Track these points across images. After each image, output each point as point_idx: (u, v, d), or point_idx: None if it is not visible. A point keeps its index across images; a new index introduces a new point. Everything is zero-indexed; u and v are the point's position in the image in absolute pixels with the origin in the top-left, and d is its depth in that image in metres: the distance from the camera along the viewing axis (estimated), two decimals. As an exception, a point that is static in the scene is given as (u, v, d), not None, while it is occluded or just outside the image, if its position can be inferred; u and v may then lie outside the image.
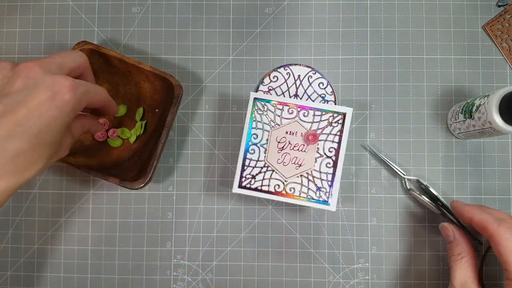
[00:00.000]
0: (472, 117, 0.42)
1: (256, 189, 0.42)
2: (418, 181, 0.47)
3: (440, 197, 0.45)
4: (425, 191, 0.46)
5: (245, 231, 0.48)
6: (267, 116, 0.43)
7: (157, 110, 0.48)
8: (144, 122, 0.48)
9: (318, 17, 0.49)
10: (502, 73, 0.48)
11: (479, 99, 0.41)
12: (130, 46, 0.50)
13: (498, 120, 0.38)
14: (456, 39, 0.49)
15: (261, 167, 0.42)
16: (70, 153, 0.45)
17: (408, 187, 0.47)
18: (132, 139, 0.48)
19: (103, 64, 0.46)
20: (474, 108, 0.41)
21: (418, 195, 0.45)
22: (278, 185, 0.42)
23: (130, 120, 0.48)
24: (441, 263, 0.47)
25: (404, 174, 0.47)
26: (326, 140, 0.43)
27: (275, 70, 0.48)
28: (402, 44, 0.49)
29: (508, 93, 0.38)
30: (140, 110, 0.48)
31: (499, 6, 0.49)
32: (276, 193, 0.42)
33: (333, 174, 0.42)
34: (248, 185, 0.42)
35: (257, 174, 0.42)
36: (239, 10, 0.50)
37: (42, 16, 0.50)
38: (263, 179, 0.42)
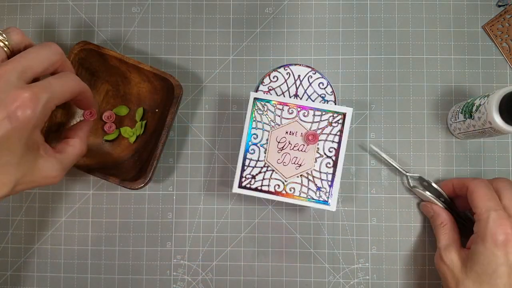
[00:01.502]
0: (472, 117, 0.42)
1: (256, 189, 0.42)
2: (420, 178, 0.47)
3: (443, 192, 0.45)
4: (427, 188, 0.46)
5: (245, 231, 0.48)
6: (267, 116, 0.43)
7: (157, 110, 0.48)
8: (144, 122, 0.48)
9: (318, 17, 0.49)
10: (502, 73, 0.48)
11: (479, 99, 0.41)
12: (130, 46, 0.50)
13: (498, 120, 0.38)
14: (456, 39, 0.49)
15: (261, 167, 0.42)
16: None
17: (412, 185, 0.47)
18: (132, 139, 0.48)
19: (103, 64, 0.46)
20: (474, 108, 0.41)
21: (422, 191, 0.45)
22: (278, 185, 0.42)
23: (130, 120, 0.48)
24: (441, 263, 0.47)
25: (406, 172, 0.47)
26: (326, 140, 0.42)
27: (275, 70, 0.48)
28: (402, 44, 0.49)
29: (508, 93, 0.38)
30: (140, 110, 0.48)
31: (499, 6, 0.49)
32: (276, 193, 0.42)
33: (333, 174, 0.42)
34: (248, 185, 0.42)
35: (257, 174, 0.42)
36: (239, 10, 0.50)
37: (42, 16, 0.50)
38: (263, 179, 0.42)
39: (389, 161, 0.47)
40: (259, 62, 0.49)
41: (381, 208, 0.48)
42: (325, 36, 0.49)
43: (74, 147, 0.37)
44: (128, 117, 0.49)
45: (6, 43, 0.33)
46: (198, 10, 0.50)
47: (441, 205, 0.45)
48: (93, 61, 0.45)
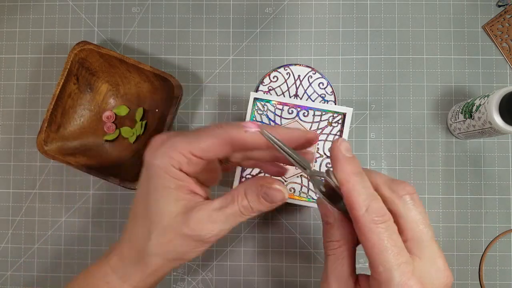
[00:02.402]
0: (472, 117, 0.42)
1: None
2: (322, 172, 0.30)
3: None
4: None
5: (245, 231, 0.48)
6: (267, 116, 0.43)
7: (157, 110, 0.48)
8: (144, 122, 0.48)
9: (318, 17, 0.49)
10: (502, 73, 0.48)
11: (479, 99, 0.41)
12: (130, 46, 0.50)
13: (498, 120, 0.38)
14: (456, 39, 0.49)
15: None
16: (70, 153, 0.45)
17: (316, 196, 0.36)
18: (132, 139, 0.48)
19: (103, 64, 0.46)
20: (474, 108, 0.41)
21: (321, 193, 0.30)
22: None
23: (130, 120, 0.48)
24: (441, 263, 0.47)
25: (305, 168, 0.29)
26: (326, 140, 0.43)
27: (275, 70, 0.48)
28: (402, 44, 0.49)
29: (508, 93, 0.38)
30: (140, 110, 0.48)
31: (499, 6, 0.49)
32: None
33: None
34: None
35: (257, 174, 0.42)
36: (239, 10, 0.50)
37: (42, 16, 0.50)
38: None
39: (282, 151, 0.29)
40: (259, 62, 0.49)
41: (381, 208, 0.48)
42: (325, 36, 0.49)
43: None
44: (128, 117, 0.49)
45: None
46: (198, 10, 0.50)
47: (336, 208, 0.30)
48: (93, 61, 0.45)
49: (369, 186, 0.28)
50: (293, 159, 0.28)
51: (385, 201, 0.28)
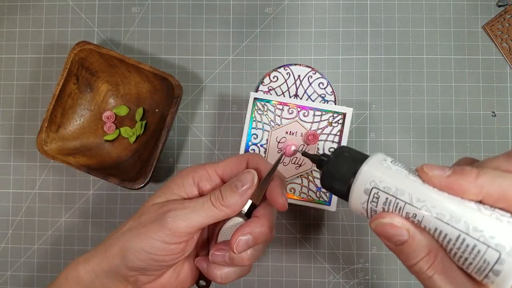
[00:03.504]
0: None
1: None
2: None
3: None
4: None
5: (245, 231, 0.48)
6: (267, 116, 0.43)
7: (157, 110, 0.48)
8: (144, 122, 0.48)
9: (318, 17, 0.49)
10: (502, 73, 0.48)
11: None
12: (130, 46, 0.50)
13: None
14: (456, 39, 0.49)
15: None
16: (70, 153, 0.45)
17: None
18: (132, 139, 0.48)
19: (103, 64, 0.46)
20: None
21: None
22: None
23: (130, 120, 0.48)
24: (441, 263, 0.47)
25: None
26: (326, 140, 0.42)
27: (275, 70, 0.48)
28: (402, 44, 0.49)
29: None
30: (140, 110, 0.48)
31: (499, 6, 0.49)
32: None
33: None
34: None
35: None
36: (239, 10, 0.50)
37: (42, 16, 0.50)
38: None
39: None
40: (259, 62, 0.49)
41: (381, 208, 0.48)
42: (325, 36, 0.49)
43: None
44: (128, 117, 0.49)
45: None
46: (198, 10, 0.50)
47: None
48: (93, 61, 0.45)
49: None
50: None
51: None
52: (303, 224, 0.48)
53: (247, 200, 0.31)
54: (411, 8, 0.49)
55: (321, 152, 0.42)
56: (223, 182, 0.32)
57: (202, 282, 0.34)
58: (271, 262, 0.48)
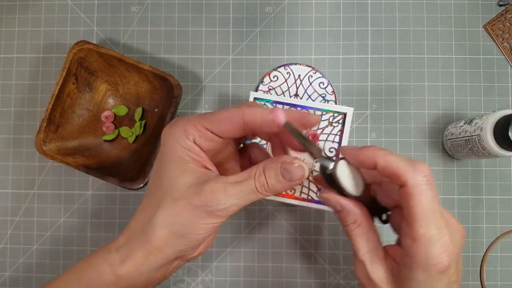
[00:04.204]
0: (470, 123, 0.42)
1: None
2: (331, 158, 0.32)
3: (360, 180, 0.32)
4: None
5: (245, 232, 0.48)
6: None
7: (156, 110, 0.48)
8: (143, 122, 0.48)
9: (319, 16, 0.49)
10: (503, 73, 0.48)
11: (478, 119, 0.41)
12: (129, 46, 0.49)
13: (493, 144, 0.38)
14: (457, 38, 0.49)
15: None
16: (68, 153, 0.45)
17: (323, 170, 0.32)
18: (131, 139, 0.48)
19: (102, 63, 0.45)
20: (474, 121, 0.41)
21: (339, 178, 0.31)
22: None
23: (130, 120, 0.48)
24: (442, 263, 0.47)
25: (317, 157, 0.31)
26: (326, 140, 0.42)
27: (275, 69, 0.48)
28: (403, 43, 0.49)
29: (502, 117, 0.38)
30: (139, 110, 0.48)
31: (500, 5, 0.48)
32: (276, 193, 0.42)
33: None
34: None
35: None
36: (239, 9, 0.49)
37: (41, 15, 0.50)
38: None
39: (302, 140, 0.30)
40: (259, 61, 0.49)
41: (381, 208, 0.47)
42: (325, 35, 0.49)
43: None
44: (127, 117, 0.48)
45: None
46: (197, 9, 0.49)
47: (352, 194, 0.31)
48: (92, 61, 0.45)
49: (401, 156, 0.29)
50: (308, 146, 0.30)
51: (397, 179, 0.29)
52: (303, 224, 0.48)
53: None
54: (411, 8, 0.49)
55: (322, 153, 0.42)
56: (219, 137, 0.30)
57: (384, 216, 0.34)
58: (271, 263, 0.47)
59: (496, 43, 0.48)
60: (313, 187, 0.42)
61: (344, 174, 0.31)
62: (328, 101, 0.47)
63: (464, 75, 0.48)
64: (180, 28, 0.49)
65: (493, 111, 0.41)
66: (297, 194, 0.42)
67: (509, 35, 0.48)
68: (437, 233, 0.28)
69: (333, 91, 0.47)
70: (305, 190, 0.42)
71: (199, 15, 0.49)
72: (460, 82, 0.48)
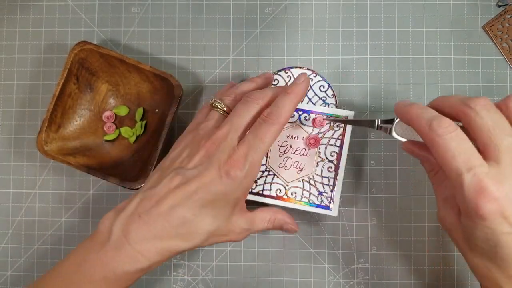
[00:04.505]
0: None
1: (257, 194, 0.42)
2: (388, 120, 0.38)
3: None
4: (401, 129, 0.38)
5: (245, 231, 0.48)
6: None
7: (157, 110, 0.48)
8: (144, 122, 0.48)
9: (318, 17, 0.49)
10: (502, 73, 0.48)
11: None
12: (130, 46, 0.50)
13: None
14: (456, 39, 0.49)
15: (263, 171, 0.42)
16: (70, 153, 0.45)
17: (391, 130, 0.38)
18: (132, 139, 0.48)
19: (103, 64, 0.46)
20: None
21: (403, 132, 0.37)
22: (280, 190, 0.42)
23: (130, 120, 0.48)
24: (441, 263, 0.47)
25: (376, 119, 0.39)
26: (328, 144, 0.42)
27: (276, 73, 0.48)
28: (402, 44, 0.49)
29: None
30: (140, 110, 0.48)
31: (499, 6, 0.49)
32: (277, 197, 0.42)
33: (335, 178, 0.42)
34: (250, 189, 0.42)
35: (258, 178, 0.42)
36: (239, 10, 0.50)
37: (42, 16, 0.50)
38: (265, 183, 0.42)
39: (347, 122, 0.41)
40: (259, 62, 0.49)
41: (381, 208, 0.48)
42: (325, 36, 0.49)
43: (262, 220, 0.39)
44: (128, 117, 0.49)
45: (225, 109, 0.38)
46: (198, 10, 0.50)
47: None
48: (93, 61, 0.45)
49: (430, 110, 0.31)
50: (363, 123, 0.41)
51: (458, 115, 0.30)
52: (303, 224, 0.48)
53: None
54: (411, 8, 0.49)
55: (323, 156, 0.42)
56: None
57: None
58: (271, 262, 0.48)
59: (495, 44, 0.48)
60: (314, 191, 0.42)
61: (400, 133, 0.37)
62: (328, 104, 0.47)
63: (463, 76, 0.48)
64: (181, 28, 0.50)
65: None
66: (298, 198, 0.42)
67: (508, 36, 0.48)
68: (470, 179, 0.27)
69: (334, 94, 0.47)
70: (306, 194, 0.42)
71: (200, 16, 0.50)
72: (459, 83, 0.48)
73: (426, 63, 0.49)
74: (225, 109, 0.38)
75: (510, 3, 0.48)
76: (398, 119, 0.36)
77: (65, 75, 0.44)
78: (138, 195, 0.36)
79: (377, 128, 0.38)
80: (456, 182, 0.28)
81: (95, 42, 0.49)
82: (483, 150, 0.29)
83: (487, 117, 0.29)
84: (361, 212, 0.48)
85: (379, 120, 0.38)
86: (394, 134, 0.37)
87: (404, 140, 0.37)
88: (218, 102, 0.39)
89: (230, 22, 0.50)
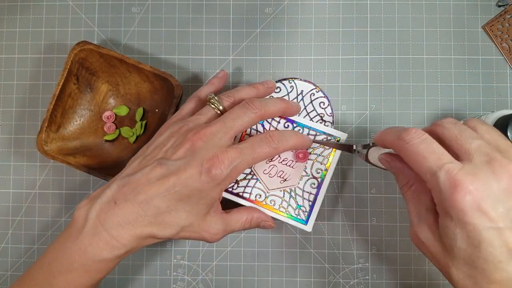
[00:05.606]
0: None
1: (237, 195, 0.42)
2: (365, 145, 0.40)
3: None
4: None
5: (245, 231, 0.48)
6: (262, 125, 0.42)
7: (157, 110, 0.48)
8: (144, 122, 0.48)
9: (318, 17, 0.49)
10: (502, 73, 0.48)
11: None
12: (130, 46, 0.50)
13: None
14: (456, 39, 0.49)
15: (247, 174, 0.42)
16: (70, 153, 0.45)
17: (364, 153, 0.40)
18: (132, 139, 0.48)
19: (103, 64, 0.46)
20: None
21: (376, 152, 0.39)
22: (260, 195, 0.42)
23: (130, 120, 0.48)
24: (441, 263, 0.47)
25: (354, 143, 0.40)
26: (315, 160, 0.42)
27: (279, 81, 0.47)
28: (402, 44, 0.49)
29: (501, 117, 0.38)
30: (140, 110, 0.48)
31: (499, 6, 0.49)
32: (256, 202, 0.41)
33: (316, 195, 0.42)
34: (230, 189, 0.42)
35: (241, 180, 0.42)
36: (239, 10, 0.50)
37: (42, 16, 0.50)
38: (246, 186, 0.42)
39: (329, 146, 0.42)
40: (259, 62, 0.49)
41: (381, 208, 0.48)
42: (325, 36, 0.49)
43: (238, 221, 0.39)
44: (128, 117, 0.49)
45: (221, 108, 0.38)
46: (198, 10, 0.50)
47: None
48: (93, 61, 0.45)
49: (400, 127, 0.35)
50: (342, 147, 0.42)
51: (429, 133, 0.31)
52: (303, 224, 0.48)
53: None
54: (411, 8, 0.49)
55: (308, 171, 0.42)
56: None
57: None
58: (271, 262, 0.48)
59: (495, 44, 0.49)
60: (293, 203, 0.41)
61: (375, 156, 0.39)
62: (325, 121, 0.46)
63: (463, 76, 0.49)
64: (181, 28, 0.50)
65: (492, 111, 0.41)
66: (276, 207, 0.42)
67: (508, 36, 0.48)
68: (444, 175, 0.28)
69: (332, 113, 0.47)
70: (284, 204, 0.41)
71: (200, 16, 0.50)
72: (459, 83, 0.48)
73: (426, 63, 0.49)
74: (220, 108, 0.38)
75: (510, 3, 0.48)
76: (372, 144, 0.39)
77: (65, 75, 0.44)
78: (116, 181, 0.36)
79: (354, 153, 0.41)
80: (432, 182, 0.29)
81: (95, 42, 0.49)
82: (456, 157, 0.29)
83: (453, 128, 0.31)
84: (361, 212, 0.48)
85: (356, 145, 0.41)
86: (369, 157, 0.39)
87: (379, 164, 0.38)
88: (216, 100, 0.39)
89: (230, 22, 0.50)
